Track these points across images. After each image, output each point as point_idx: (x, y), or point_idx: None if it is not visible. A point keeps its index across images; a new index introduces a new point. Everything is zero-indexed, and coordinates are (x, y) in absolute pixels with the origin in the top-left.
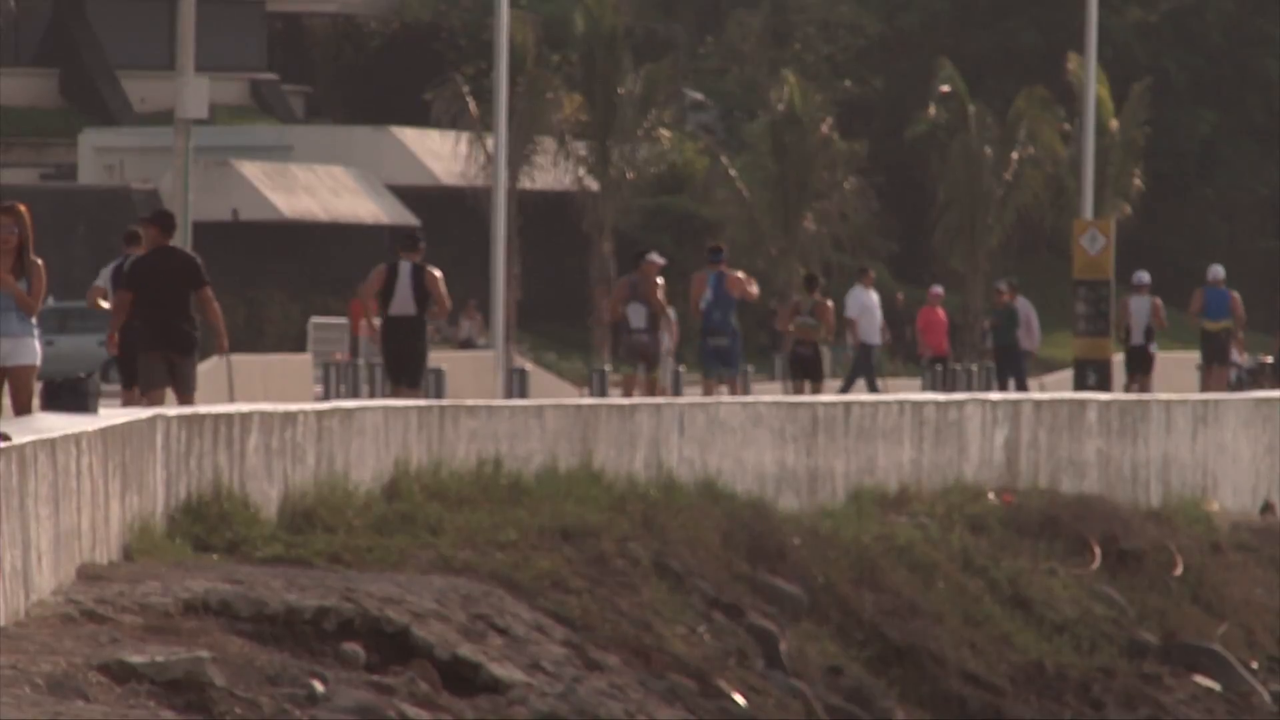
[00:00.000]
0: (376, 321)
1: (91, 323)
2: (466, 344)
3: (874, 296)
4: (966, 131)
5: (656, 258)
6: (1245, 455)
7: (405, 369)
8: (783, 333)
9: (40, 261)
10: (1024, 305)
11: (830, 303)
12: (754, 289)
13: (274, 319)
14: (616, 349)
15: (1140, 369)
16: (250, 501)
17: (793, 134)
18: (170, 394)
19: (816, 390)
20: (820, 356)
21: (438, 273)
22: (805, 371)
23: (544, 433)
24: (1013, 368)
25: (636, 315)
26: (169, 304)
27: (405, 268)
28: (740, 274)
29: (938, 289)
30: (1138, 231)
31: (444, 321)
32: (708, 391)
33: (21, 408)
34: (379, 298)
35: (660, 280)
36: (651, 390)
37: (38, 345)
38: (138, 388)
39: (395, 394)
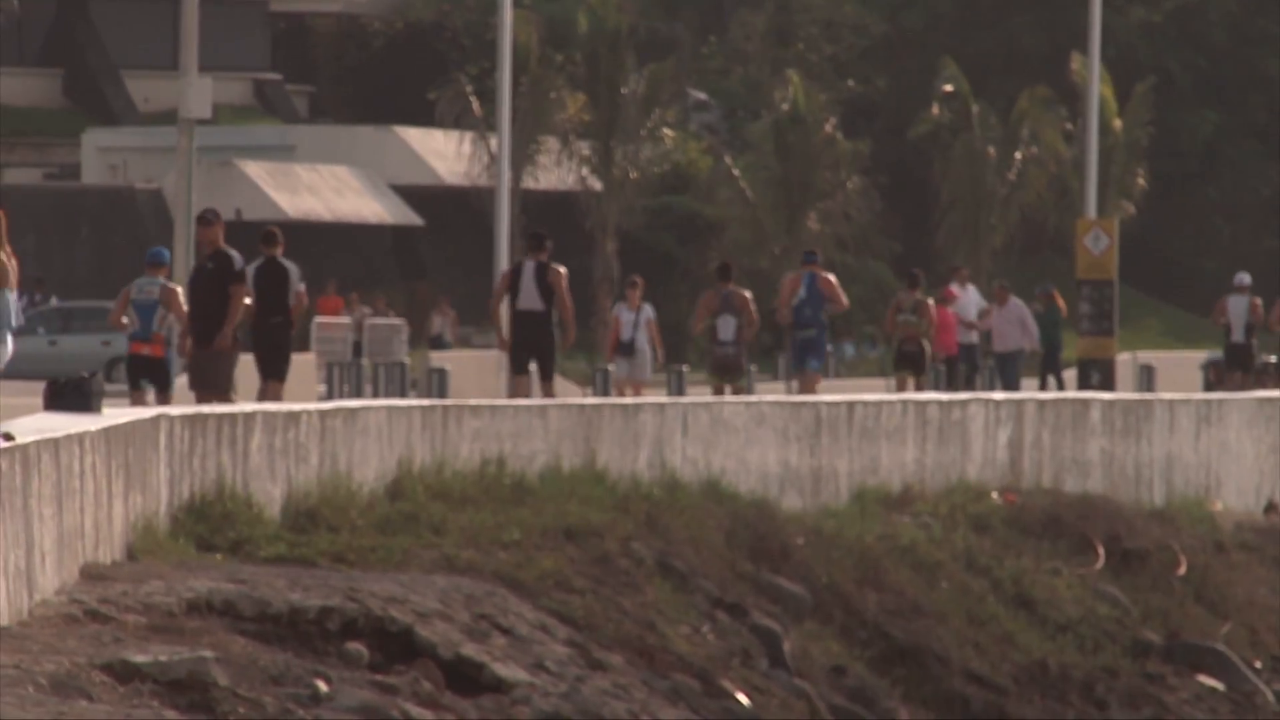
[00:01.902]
0: (505, 318)
1: (95, 322)
2: (437, 341)
3: (971, 292)
4: (970, 131)
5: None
6: (1249, 455)
7: (538, 361)
8: (889, 331)
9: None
10: (1017, 306)
11: (931, 300)
12: (844, 299)
13: None
14: (705, 361)
15: (1241, 365)
16: (254, 501)
17: (796, 134)
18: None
19: (920, 386)
20: (924, 352)
21: (562, 270)
22: (910, 367)
23: (547, 432)
24: (1051, 366)
25: (726, 328)
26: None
27: (530, 266)
28: (833, 277)
29: (954, 288)
30: (1141, 231)
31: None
32: (801, 387)
33: None
34: (507, 295)
35: (749, 293)
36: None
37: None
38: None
39: (517, 385)
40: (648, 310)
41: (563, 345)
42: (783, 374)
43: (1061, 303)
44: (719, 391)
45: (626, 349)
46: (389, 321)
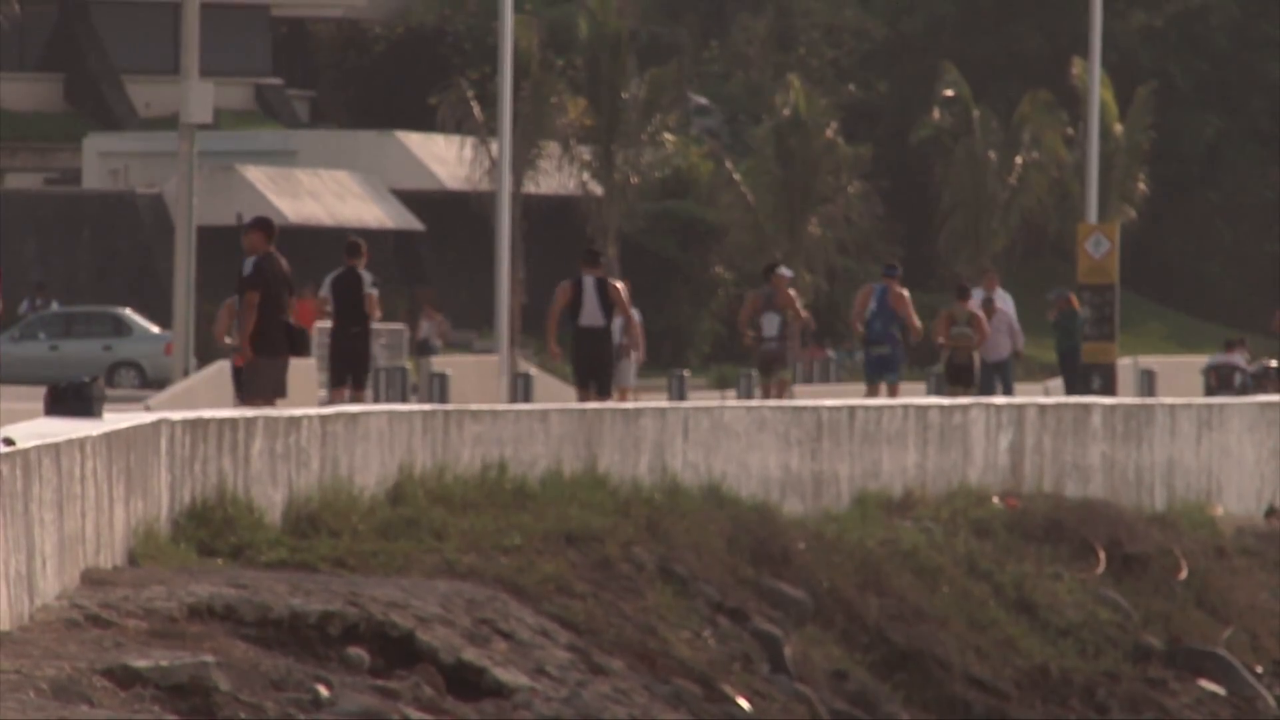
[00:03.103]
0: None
1: (96, 327)
2: (424, 347)
3: (1002, 297)
4: (971, 136)
5: (786, 271)
6: (1250, 459)
7: (595, 375)
8: (941, 344)
9: None
10: (1005, 313)
11: (983, 313)
12: (914, 318)
13: None
14: (751, 356)
15: None
16: (255, 506)
17: (797, 138)
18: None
19: (969, 394)
20: (974, 364)
21: (621, 284)
22: (960, 379)
23: (548, 437)
24: (1070, 370)
25: (770, 324)
26: (285, 310)
27: (589, 281)
28: (905, 293)
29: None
30: (1142, 235)
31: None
32: (871, 395)
33: None
34: (567, 311)
35: (793, 291)
36: (782, 392)
37: None
38: (248, 394)
39: (584, 398)
40: (633, 314)
41: (639, 360)
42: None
43: (1078, 305)
44: (766, 388)
45: (614, 353)
46: (389, 326)
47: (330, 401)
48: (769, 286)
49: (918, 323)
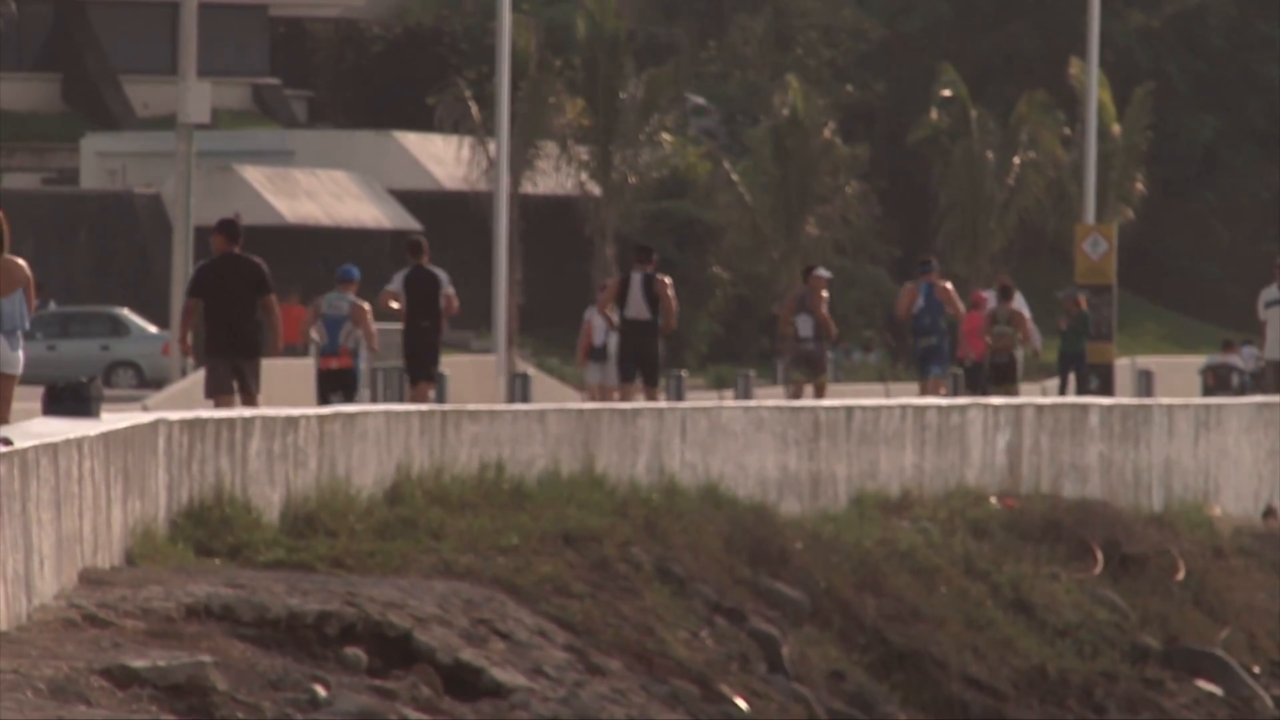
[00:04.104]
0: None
1: (94, 327)
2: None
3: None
4: (968, 136)
5: (823, 272)
6: (1247, 460)
7: (642, 368)
8: (983, 341)
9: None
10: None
11: (1025, 312)
12: (960, 307)
13: None
14: (786, 358)
15: None
16: (252, 506)
17: (795, 138)
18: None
19: (1011, 393)
20: (1015, 363)
21: (668, 280)
22: (1002, 377)
23: (546, 437)
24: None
25: (805, 325)
26: (236, 310)
27: (637, 277)
28: (949, 285)
29: (985, 294)
30: (1140, 236)
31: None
32: (924, 391)
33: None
34: (614, 304)
35: (825, 293)
36: (819, 393)
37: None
38: (206, 392)
39: (627, 391)
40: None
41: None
42: (781, 379)
43: (1085, 305)
44: (800, 388)
45: (598, 354)
46: (386, 327)
47: (408, 398)
48: (804, 287)
49: (961, 307)
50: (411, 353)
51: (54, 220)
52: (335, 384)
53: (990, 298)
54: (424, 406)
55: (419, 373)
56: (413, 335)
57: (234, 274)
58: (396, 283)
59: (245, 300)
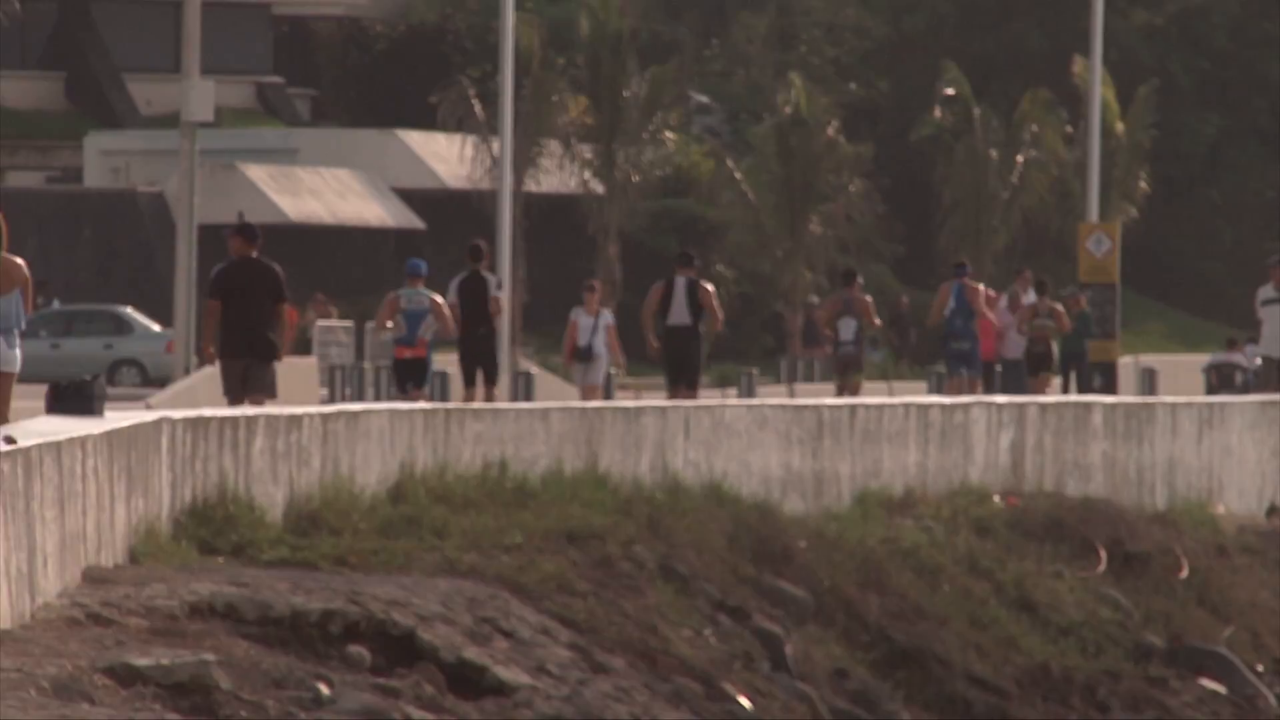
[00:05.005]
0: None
1: (97, 325)
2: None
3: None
4: (972, 134)
5: (860, 279)
6: (1251, 458)
7: (684, 372)
8: (1020, 333)
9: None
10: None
11: (1060, 306)
12: (987, 312)
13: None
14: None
15: None
16: (255, 504)
17: (798, 137)
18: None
19: (1048, 382)
20: (1052, 352)
21: (710, 287)
22: (1040, 365)
23: (549, 436)
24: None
25: (847, 328)
26: (252, 314)
27: (681, 282)
28: (981, 287)
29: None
30: (1143, 235)
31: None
32: (951, 391)
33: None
34: (658, 309)
35: (869, 297)
36: (854, 391)
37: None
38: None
39: (674, 395)
40: (606, 315)
41: (621, 364)
42: (784, 377)
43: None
44: (840, 388)
45: (583, 354)
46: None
47: (465, 400)
48: (847, 291)
49: (988, 313)
50: (470, 357)
51: (57, 219)
52: (410, 373)
53: (1001, 297)
54: (426, 405)
55: (485, 375)
56: (470, 341)
57: (252, 278)
58: (452, 291)
59: (261, 305)
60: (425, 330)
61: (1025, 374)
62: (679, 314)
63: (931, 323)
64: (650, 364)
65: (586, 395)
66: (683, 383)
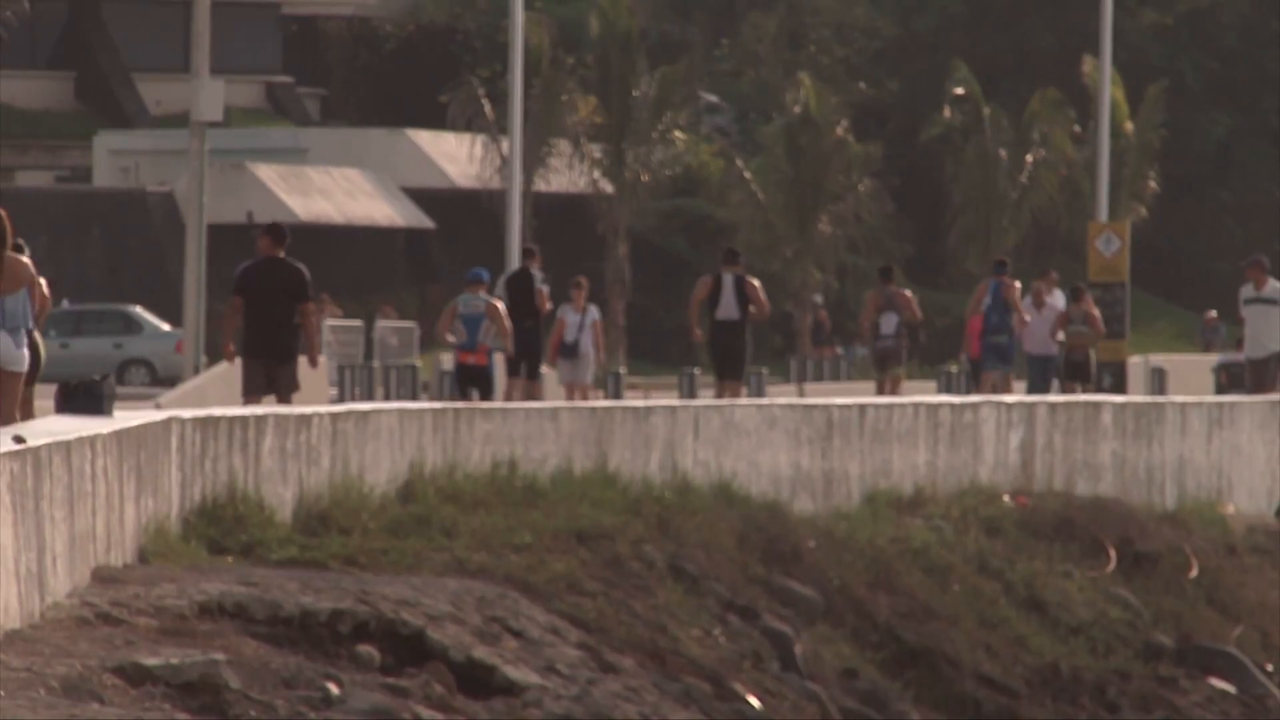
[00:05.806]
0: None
1: (107, 325)
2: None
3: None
4: (981, 134)
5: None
6: (1260, 458)
7: (731, 365)
8: (1053, 339)
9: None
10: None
11: (1096, 311)
12: (1022, 311)
13: None
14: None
15: None
16: (265, 504)
17: (808, 136)
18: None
19: (1086, 391)
20: (1090, 361)
21: (757, 282)
22: (1077, 375)
23: (559, 435)
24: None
25: (888, 323)
26: (275, 313)
27: (729, 278)
28: (1017, 284)
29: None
30: (1153, 234)
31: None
32: (987, 385)
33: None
34: (704, 304)
35: (909, 292)
36: (896, 388)
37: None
38: (242, 392)
39: (721, 389)
40: (593, 312)
41: (603, 361)
42: (794, 377)
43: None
44: (881, 384)
45: (569, 351)
46: (400, 324)
47: (507, 389)
48: (887, 287)
49: (1023, 312)
50: (515, 347)
51: (67, 218)
52: (472, 379)
53: (1027, 301)
54: (436, 405)
55: (529, 369)
56: (515, 332)
57: (276, 278)
58: (500, 287)
59: (284, 304)
60: (485, 335)
61: (1052, 372)
62: (728, 309)
63: (968, 317)
64: (656, 364)
65: (571, 394)
66: (729, 376)
